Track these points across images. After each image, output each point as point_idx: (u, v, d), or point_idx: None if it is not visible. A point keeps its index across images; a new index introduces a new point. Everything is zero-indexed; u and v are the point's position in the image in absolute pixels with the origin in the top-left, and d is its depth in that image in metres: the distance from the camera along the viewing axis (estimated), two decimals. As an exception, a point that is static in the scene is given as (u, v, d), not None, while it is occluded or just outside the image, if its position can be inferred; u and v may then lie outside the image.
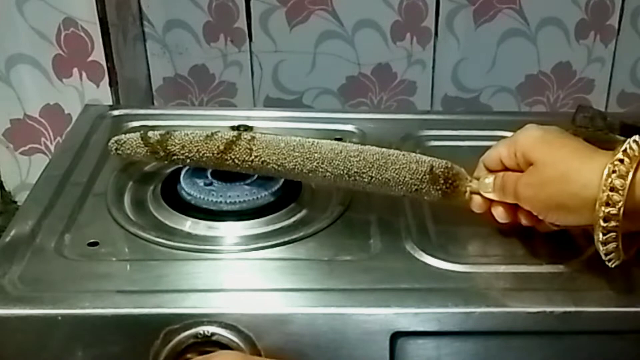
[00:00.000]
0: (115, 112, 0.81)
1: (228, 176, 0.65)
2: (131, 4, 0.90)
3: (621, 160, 0.47)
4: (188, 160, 0.63)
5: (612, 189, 0.47)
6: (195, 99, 0.97)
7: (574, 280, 0.55)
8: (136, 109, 0.82)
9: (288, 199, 0.64)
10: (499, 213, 0.57)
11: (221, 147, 0.61)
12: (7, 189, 0.91)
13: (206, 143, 0.61)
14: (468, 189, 0.58)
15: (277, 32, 0.93)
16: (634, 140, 0.48)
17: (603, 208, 0.47)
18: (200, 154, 0.62)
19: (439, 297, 0.53)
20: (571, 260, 0.57)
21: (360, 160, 0.58)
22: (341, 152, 0.59)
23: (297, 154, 0.59)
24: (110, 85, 0.83)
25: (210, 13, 0.92)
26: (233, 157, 0.61)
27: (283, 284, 0.54)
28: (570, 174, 0.49)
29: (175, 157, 0.63)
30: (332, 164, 0.58)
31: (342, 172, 0.58)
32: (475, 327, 0.52)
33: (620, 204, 0.47)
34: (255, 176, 0.65)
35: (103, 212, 0.63)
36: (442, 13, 0.93)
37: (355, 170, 0.58)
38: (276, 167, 0.60)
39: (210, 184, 0.64)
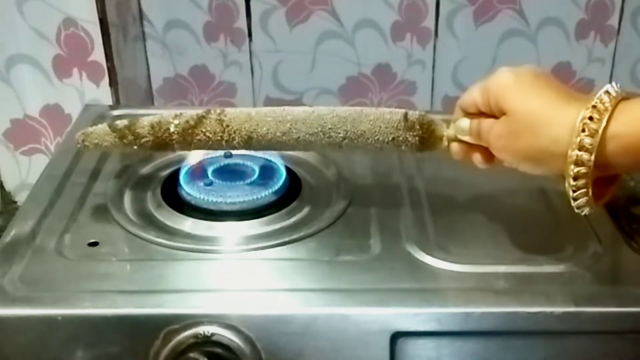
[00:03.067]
0: (115, 112, 0.81)
1: (228, 176, 0.65)
2: (131, 4, 0.90)
3: (590, 118, 0.46)
4: (158, 141, 0.60)
5: (581, 148, 0.47)
6: (195, 99, 0.97)
7: (574, 280, 0.55)
8: (136, 109, 0.82)
9: (288, 199, 0.64)
10: (478, 159, 0.56)
11: (191, 122, 0.59)
12: (7, 189, 0.91)
13: (174, 120, 0.60)
14: (445, 134, 0.58)
15: (277, 32, 0.93)
16: (606, 92, 0.47)
17: (572, 167, 0.47)
18: (170, 132, 0.59)
19: (439, 297, 0.53)
20: (571, 260, 0.57)
21: (333, 116, 0.58)
22: (313, 112, 0.58)
23: (269, 118, 0.58)
24: (110, 85, 0.84)
25: (210, 13, 0.92)
26: (204, 130, 0.59)
27: (283, 284, 0.54)
28: (541, 128, 0.49)
29: (144, 139, 0.60)
30: (305, 123, 0.58)
31: (316, 130, 0.58)
32: (475, 327, 0.52)
33: (590, 162, 0.47)
34: (256, 176, 0.66)
35: (103, 212, 0.63)
36: (442, 13, 0.93)
37: (330, 126, 0.57)
38: (249, 135, 0.59)
39: (210, 184, 0.65)
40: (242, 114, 0.59)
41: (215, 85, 0.96)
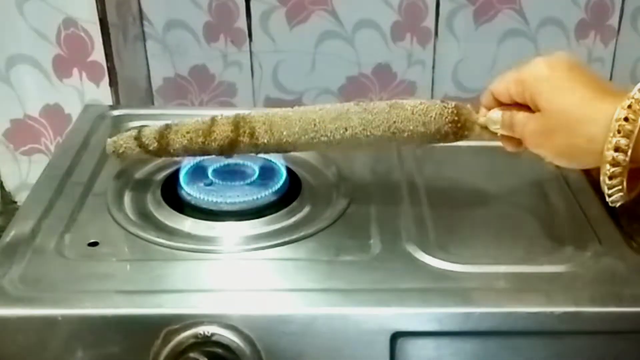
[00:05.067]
0: (115, 112, 0.81)
1: (228, 176, 0.65)
2: (131, 4, 0.90)
3: (626, 119, 0.46)
4: (189, 152, 0.62)
5: (617, 149, 0.47)
6: (195, 99, 0.97)
7: (574, 280, 0.55)
8: (136, 109, 0.82)
9: (288, 198, 0.64)
10: (507, 145, 0.56)
11: (226, 143, 0.60)
12: (7, 189, 0.91)
13: (208, 135, 0.61)
14: (477, 126, 0.57)
15: (277, 32, 0.93)
16: (639, 90, 0.47)
17: (608, 166, 0.48)
18: (204, 148, 0.61)
19: (439, 297, 0.53)
20: (571, 260, 0.57)
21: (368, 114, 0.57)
22: (346, 111, 0.58)
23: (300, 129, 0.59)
24: (110, 85, 0.83)
25: (210, 13, 0.92)
26: (237, 150, 0.60)
27: (283, 284, 0.54)
28: (576, 126, 0.49)
29: (174, 151, 0.62)
30: (334, 122, 0.58)
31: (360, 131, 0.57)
32: (475, 327, 0.52)
33: (625, 162, 0.47)
34: (256, 176, 0.66)
35: (103, 212, 0.62)
36: (442, 13, 0.93)
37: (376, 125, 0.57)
38: (282, 147, 0.60)
39: (210, 184, 0.65)
40: (271, 127, 0.59)
41: (215, 85, 0.96)
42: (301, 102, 0.97)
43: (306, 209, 0.64)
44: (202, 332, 0.50)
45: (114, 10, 0.83)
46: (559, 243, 0.59)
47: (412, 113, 0.56)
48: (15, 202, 0.90)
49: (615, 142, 0.47)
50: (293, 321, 0.51)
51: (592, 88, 0.50)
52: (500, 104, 0.56)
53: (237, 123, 0.60)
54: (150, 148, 0.62)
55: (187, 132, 0.61)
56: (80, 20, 0.80)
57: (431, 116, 0.56)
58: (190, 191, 0.64)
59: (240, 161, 0.68)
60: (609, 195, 0.50)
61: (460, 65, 0.96)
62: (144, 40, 0.93)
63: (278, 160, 0.67)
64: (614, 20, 0.94)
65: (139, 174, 0.69)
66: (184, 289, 0.53)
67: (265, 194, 0.63)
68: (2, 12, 0.79)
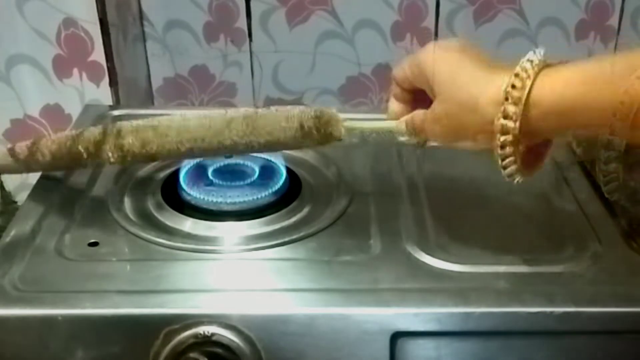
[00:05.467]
0: (115, 112, 0.81)
1: (228, 176, 0.65)
2: (131, 4, 0.90)
3: (513, 86, 0.47)
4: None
5: (506, 116, 0.47)
6: (195, 99, 0.97)
7: (574, 280, 0.55)
8: (136, 109, 0.82)
9: (288, 199, 0.64)
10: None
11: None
12: (7, 189, 0.90)
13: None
14: (343, 129, 0.57)
15: (277, 32, 0.93)
16: (528, 60, 0.48)
17: (498, 135, 0.48)
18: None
19: (439, 297, 0.53)
20: (571, 260, 0.57)
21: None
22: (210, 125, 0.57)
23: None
24: (110, 85, 0.83)
25: (210, 13, 0.92)
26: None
27: (283, 284, 0.54)
28: (469, 104, 0.49)
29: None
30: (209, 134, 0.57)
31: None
32: (475, 327, 0.52)
33: (515, 130, 0.47)
34: (256, 176, 0.66)
35: (103, 212, 0.63)
36: (442, 13, 0.93)
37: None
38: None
39: (211, 184, 0.65)
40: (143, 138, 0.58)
41: (215, 86, 0.96)
42: (301, 102, 0.97)
43: (306, 209, 0.64)
44: (202, 332, 0.50)
45: (114, 10, 0.83)
46: (559, 243, 0.59)
47: (276, 111, 0.57)
48: (15, 202, 0.90)
49: (504, 110, 0.47)
50: (293, 321, 0.51)
51: (483, 66, 0.50)
52: (405, 91, 0.56)
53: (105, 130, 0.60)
54: (21, 157, 0.63)
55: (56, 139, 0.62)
56: (80, 20, 0.80)
57: (294, 113, 0.56)
58: (191, 191, 0.64)
59: (241, 161, 0.68)
60: (504, 168, 0.50)
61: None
62: (144, 40, 0.93)
63: (278, 160, 0.67)
64: (614, 20, 0.94)
65: (140, 174, 0.69)
66: (184, 289, 0.53)
67: (265, 194, 0.63)
68: (2, 12, 0.79)
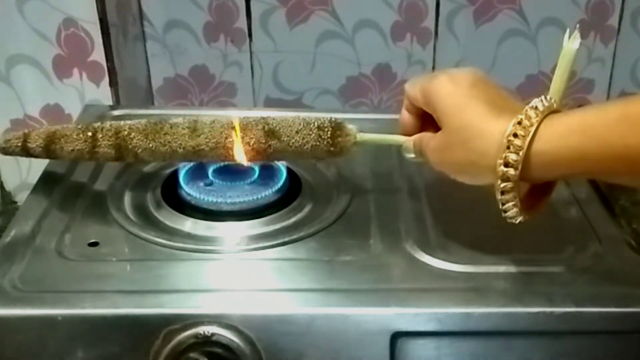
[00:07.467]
0: (115, 112, 0.81)
1: (228, 176, 0.65)
2: (131, 4, 0.90)
3: (515, 135, 0.47)
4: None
5: (507, 164, 0.47)
6: (195, 99, 0.97)
7: (574, 280, 0.55)
8: (136, 109, 0.82)
9: (288, 199, 0.64)
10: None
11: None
12: (7, 189, 0.91)
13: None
14: (353, 140, 0.59)
15: (277, 32, 0.93)
16: (533, 107, 0.48)
17: (499, 182, 0.48)
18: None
19: (439, 297, 0.53)
20: (571, 260, 0.57)
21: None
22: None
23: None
24: (111, 85, 0.84)
25: (210, 13, 0.92)
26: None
27: (283, 284, 0.54)
28: (472, 142, 0.49)
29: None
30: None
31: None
32: (475, 327, 0.52)
33: (515, 178, 0.48)
34: (256, 176, 0.66)
35: (103, 212, 0.63)
36: (442, 13, 0.93)
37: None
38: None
39: (211, 184, 0.65)
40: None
41: (215, 86, 0.96)
42: (301, 102, 0.97)
43: (306, 209, 0.64)
44: (202, 332, 0.50)
45: (114, 10, 0.83)
46: (559, 243, 0.59)
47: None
48: (15, 202, 0.91)
49: (505, 158, 0.47)
50: (293, 321, 0.51)
51: (491, 105, 0.50)
52: (415, 106, 0.57)
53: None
54: (36, 152, 0.64)
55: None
56: (80, 20, 0.80)
57: (310, 123, 0.60)
58: (191, 191, 0.64)
59: (241, 161, 0.68)
60: (504, 211, 0.50)
61: (460, 65, 0.96)
62: (144, 40, 0.93)
63: (278, 160, 0.67)
64: (614, 20, 0.94)
65: (140, 174, 0.69)
66: (184, 289, 0.53)
67: (265, 194, 0.63)
68: (2, 12, 0.79)
